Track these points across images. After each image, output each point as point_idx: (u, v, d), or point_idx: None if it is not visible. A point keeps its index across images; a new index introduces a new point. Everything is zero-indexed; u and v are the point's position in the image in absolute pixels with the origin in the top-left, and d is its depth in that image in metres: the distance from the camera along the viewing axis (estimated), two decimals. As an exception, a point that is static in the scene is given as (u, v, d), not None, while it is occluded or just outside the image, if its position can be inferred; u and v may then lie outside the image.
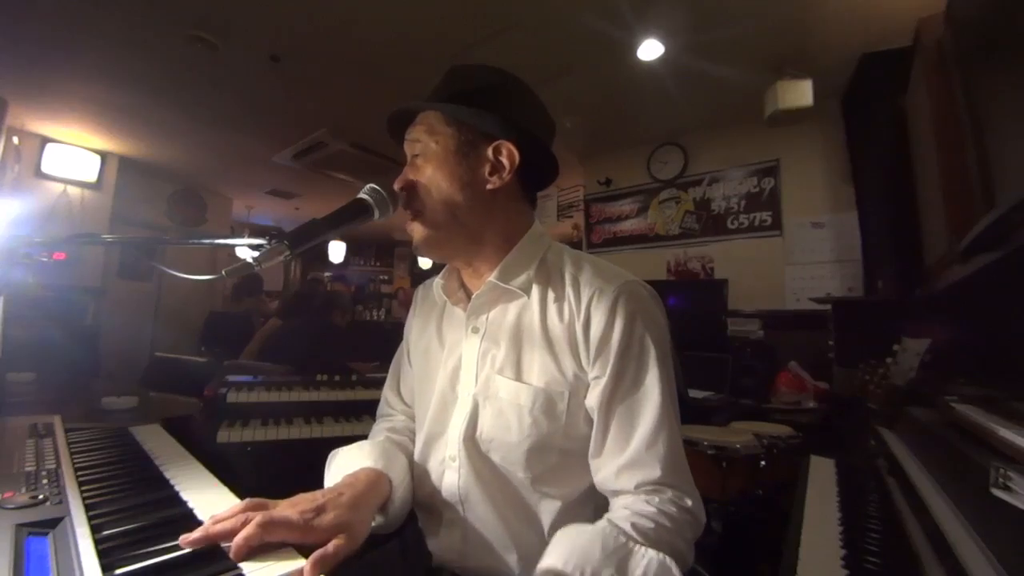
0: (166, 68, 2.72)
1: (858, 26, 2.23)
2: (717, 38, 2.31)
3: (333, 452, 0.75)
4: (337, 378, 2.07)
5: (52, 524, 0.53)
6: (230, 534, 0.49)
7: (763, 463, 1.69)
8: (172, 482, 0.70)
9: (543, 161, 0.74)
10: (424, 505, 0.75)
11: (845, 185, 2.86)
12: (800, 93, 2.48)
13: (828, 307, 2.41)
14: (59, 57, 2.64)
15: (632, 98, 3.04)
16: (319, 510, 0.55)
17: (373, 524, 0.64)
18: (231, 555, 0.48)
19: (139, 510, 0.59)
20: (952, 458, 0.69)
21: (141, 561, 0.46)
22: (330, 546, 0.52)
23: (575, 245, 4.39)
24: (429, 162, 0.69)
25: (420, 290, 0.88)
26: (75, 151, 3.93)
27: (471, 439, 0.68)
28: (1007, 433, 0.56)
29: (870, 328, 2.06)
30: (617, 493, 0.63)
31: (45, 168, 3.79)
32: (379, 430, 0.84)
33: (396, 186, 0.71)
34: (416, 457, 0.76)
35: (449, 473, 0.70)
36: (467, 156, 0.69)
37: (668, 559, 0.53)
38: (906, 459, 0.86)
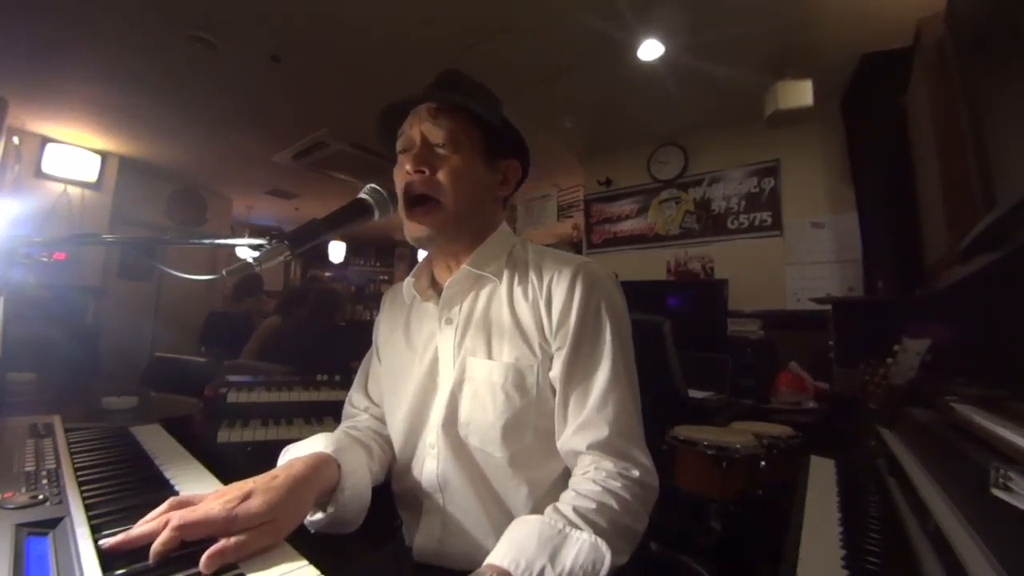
0: (166, 68, 2.73)
1: (858, 26, 2.24)
2: (717, 38, 2.31)
3: (286, 448, 0.71)
4: (337, 378, 2.07)
5: (52, 524, 0.52)
6: (151, 536, 0.47)
7: (763, 463, 1.68)
8: (172, 482, 0.70)
9: (524, 179, 0.83)
10: (406, 502, 0.76)
11: (845, 185, 2.86)
12: (800, 93, 2.49)
13: (828, 307, 2.41)
14: (59, 57, 2.64)
15: (632, 98, 3.04)
16: (245, 497, 0.52)
17: (320, 517, 0.62)
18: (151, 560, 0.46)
19: (139, 510, 0.58)
20: (952, 458, 0.69)
21: (141, 561, 0.46)
22: (231, 540, 0.47)
23: (575, 245, 4.44)
24: (459, 154, 0.71)
25: (388, 294, 0.90)
26: (75, 151, 3.93)
27: (450, 425, 0.70)
28: (1007, 433, 0.56)
29: (870, 328, 2.06)
30: (575, 456, 0.66)
31: (45, 168, 3.80)
32: (339, 429, 0.82)
33: (412, 166, 0.69)
34: (396, 452, 0.77)
35: (428, 461, 0.71)
36: (488, 162, 0.75)
37: (600, 540, 0.54)
38: (906, 459, 0.86)
